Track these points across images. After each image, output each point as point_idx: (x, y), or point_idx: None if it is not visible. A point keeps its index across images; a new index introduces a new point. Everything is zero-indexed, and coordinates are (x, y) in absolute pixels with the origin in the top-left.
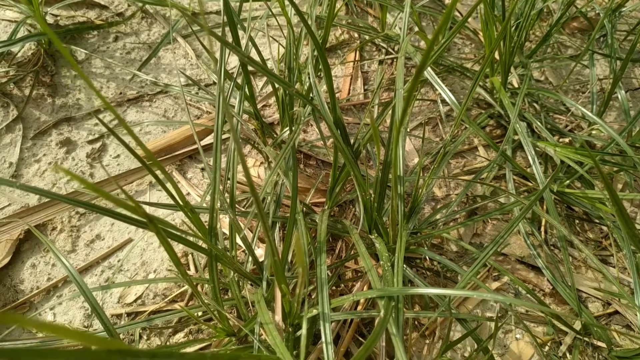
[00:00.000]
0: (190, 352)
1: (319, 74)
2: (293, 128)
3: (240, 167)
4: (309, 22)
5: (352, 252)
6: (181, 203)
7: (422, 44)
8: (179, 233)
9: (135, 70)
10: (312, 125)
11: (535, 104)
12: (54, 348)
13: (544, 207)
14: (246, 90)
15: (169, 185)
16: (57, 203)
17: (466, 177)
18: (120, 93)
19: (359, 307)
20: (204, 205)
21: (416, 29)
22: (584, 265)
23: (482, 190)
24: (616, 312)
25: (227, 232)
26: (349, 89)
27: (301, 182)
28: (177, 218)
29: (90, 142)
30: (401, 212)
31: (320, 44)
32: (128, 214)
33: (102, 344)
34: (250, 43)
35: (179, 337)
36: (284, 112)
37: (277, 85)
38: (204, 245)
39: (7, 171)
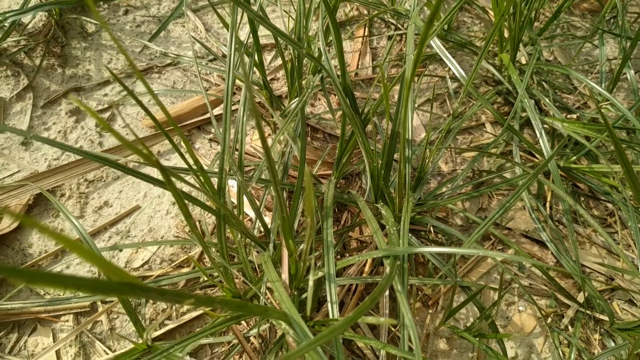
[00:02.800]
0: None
1: (329, 40)
2: (303, 93)
3: (248, 139)
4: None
5: (358, 220)
6: (192, 164)
7: None
8: (190, 192)
9: (146, 41)
10: (319, 99)
11: (543, 83)
12: (69, 275)
13: (550, 180)
14: (256, 58)
15: (183, 151)
16: (66, 169)
17: (473, 154)
18: (130, 65)
19: (365, 273)
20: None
21: (424, 9)
22: (589, 242)
23: (488, 165)
24: (619, 287)
25: (235, 202)
26: (358, 64)
27: (308, 154)
28: (186, 187)
29: (100, 112)
30: (408, 176)
31: (331, 9)
32: (145, 174)
33: (116, 275)
34: (260, 10)
35: None
36: (293, 84)
37: (286, 58)
38: (214, 208)
39: (17, 138)
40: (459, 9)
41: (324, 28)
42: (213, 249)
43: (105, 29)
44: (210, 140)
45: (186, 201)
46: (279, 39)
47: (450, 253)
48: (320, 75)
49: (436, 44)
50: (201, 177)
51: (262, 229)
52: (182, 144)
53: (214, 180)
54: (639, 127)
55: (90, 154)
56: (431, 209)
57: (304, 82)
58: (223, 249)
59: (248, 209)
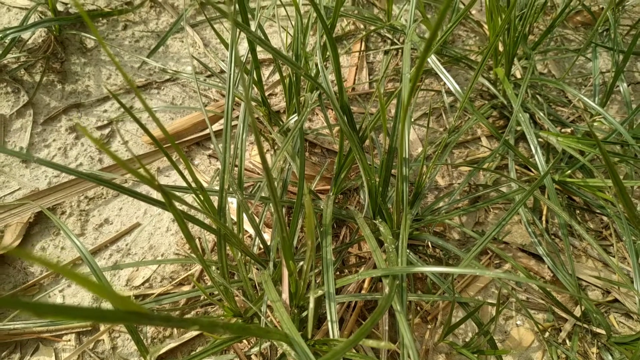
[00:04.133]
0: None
1: (326, 56)
2: (301, 111)
3: (247, 154)
4: (318, 6)
5: (357, 237)
6: (192, 183)
7: (428, 35)
8: (190, 211)
9: (144, 58)
10: (317, 114)
11: (538, 96)
12: (75, 306)
13: (546, 195)
14: (254, 75)
15: (182, 168)
16: (66, 187)
17: (469, 168)
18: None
19: (364, 290)
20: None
21: (420, 25)
22: (584, 255)
23: (484, 179)
24: (615, 300)
25: (235, 218)
26: (354, 79)
27: (307, 170)
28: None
29: (99, 128)
30: (406, 193)
31: (328, 28)
32: (145, 195)
33: (122, 304)
34: (259, 29)
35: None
36: (290, 100)
37: (284, 73)
38: (213, 226)
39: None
40: (449, 6)
41: (321, 45)
42: (213, 267)
43: (103, 48)
44: (210, 156)
45: (186, 221)
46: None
47: (448, 272)
48: (317, 92)
49: (432, 60)
50: (201, 197)
51: (261, 246)
52: (182, 161)
53: (214, 198)
54: (631, 142)
55: (88, 175)
56: (429, 224)
57: (302, 98)
58: (224, 268)
59: (247, 226)
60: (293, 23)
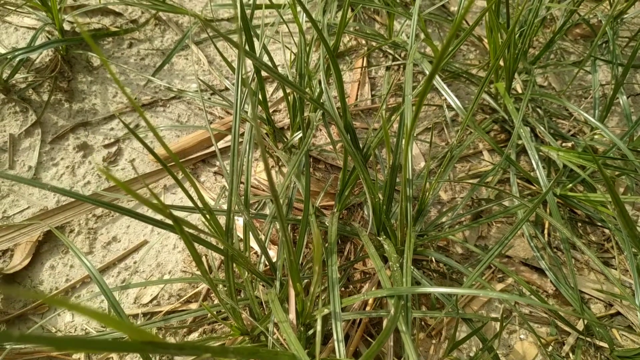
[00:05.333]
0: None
1: (330, 79)
2: (306, 133)
3: (253, 171)
4: (320, 29)
5: (361, 254)
6: (200, 205)
7: (428, 49)
8: (199, 234)
9: (149, 76)
10: (321, 130)
11: (538, 109)
12: (93, 338)
13: (547, 210)
14: (259, 96)
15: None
16: (74, 206)
17: (471, 181)
18: (135, 98)
19: (368, 308)
20: (218, 208)
21: (422, 35)
22: (587, 267)
23: (486, 193)
24: (618, 313)
25: (241, 235)
26: (357, 95)
27: (311, 186)
28: (192, 220)
29: (106, 146)
30: (410, 212)
31: (332, 52)
32: (151, 215)
33: (136, 335)
34: (263, 50)
35: (194, 336)
36: (295, 117)
37: (287, 91)
38: (220, 246)
39: (27, 174)
40: (455, 37)
41: (325, 67)
42: (220, 286)
43: (109, 71)
44: (216, 173)
45: (193, 240)
46: (286, 63)
47: (452, 293)
48: (321, 111)
49: (436, 80)
50: (208, 217)
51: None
52: (189, 181)
53: (222, 217)
54: (631, 157)
55: (92, 199)
56: (432, 240)
57: (306, 115)
58: (231, 288)
59: (253, 243)
60: (296, 39)
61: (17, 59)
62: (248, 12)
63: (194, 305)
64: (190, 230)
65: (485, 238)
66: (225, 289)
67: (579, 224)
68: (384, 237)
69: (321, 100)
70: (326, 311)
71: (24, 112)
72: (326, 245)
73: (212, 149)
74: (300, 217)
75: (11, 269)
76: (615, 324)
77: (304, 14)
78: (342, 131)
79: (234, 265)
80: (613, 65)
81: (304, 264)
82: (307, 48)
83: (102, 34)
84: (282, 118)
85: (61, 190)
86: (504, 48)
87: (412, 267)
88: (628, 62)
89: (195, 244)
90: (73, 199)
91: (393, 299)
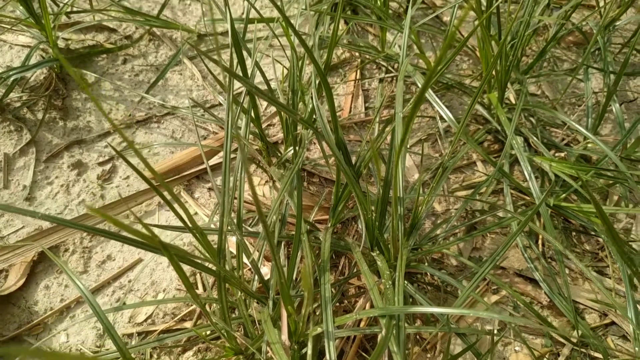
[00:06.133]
0: None
1: (321, 95)
2: (297, 149)
3: (245, 187)
4: (311, 48)
5: (355, 270)
6: (191, 226)
7: (422, 61)
8: (189, 257)
9: (143, 93)
10: (315, 143)
11: (531, 118)
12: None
13: (541, 220)
14: (252, 113)
15: (178, 207)
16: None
17: (465, 192)
18: (130, 115)
19: (362, 324)
20: (212, 225)
21: (415, 47)
22: (581, 277)
23: (481, 204)
24: (613, 322)
25: (234, 251)
26: (350, 107)
27: (305, 200)
28: (185, 237)
29: (101, 163)
30: (401, 231)
31: (322, 72)
32: (141, 240)
33: None
34: (255, 66)
35: (188, 355)
36: (288, 133)
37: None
38: (213, 266)
39: (21, 194)
40: (448, 46)
41: (317, 84)
42: (214, 305)
43: (89, 96)
44: (210, 189)
45: (186, 263)
46: (276, 82)
47: (443, 313)
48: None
49: (428, 93)
50: (201, 238)
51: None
52: (182, 195)
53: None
54: (622, 168)
55: (77, 225)
56: (427, 254)
57: (299, 127)
58: (224, 309)
59: (247, 260)
60: (289, 53)
61: (12, 79)
62: (241, 26)
63: (188, 324)
64: (181, 255)
65: (480, 249)
66: (219, 307)
67: (574, 233)
68: (377, 252)
69: (313, 117)
70: (319, 330)
71: (19, 131)
72: (319, 262)
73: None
74: (294, 232)
75: (5, 290)
76: (610, 333)
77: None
78: (333, 148)
79: (227, 283)
80: (605, 74)
81: (298, 280)
82: (300, 63)
83: (97, 52)
84: (276, 132)
85: (50, 218)
86: (495, 61)
87: (405, 281)
88: (620, 71)
89: (188, 267)
90: (68, 218)
91: (385, 319)
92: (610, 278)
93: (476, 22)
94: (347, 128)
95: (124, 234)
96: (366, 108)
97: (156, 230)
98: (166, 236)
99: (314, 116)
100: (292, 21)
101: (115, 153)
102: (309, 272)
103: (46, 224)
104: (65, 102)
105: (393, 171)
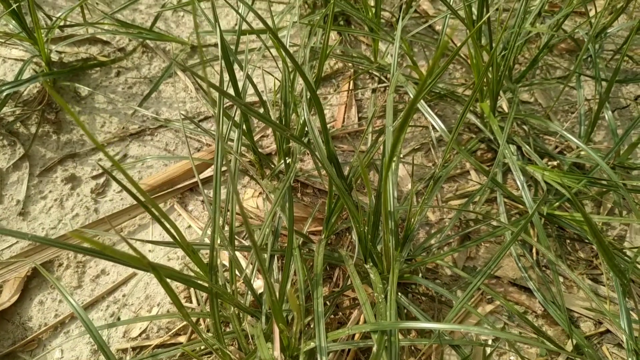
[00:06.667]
0: None
1: (313, 108)
2: (289, 164)
3: (241, 197)
4: (303, 62)
5: (349, 282)
6: (182, 242)
7: (414, 71)
8: (179, 276)
9: (136, 107)
10: (308, 154)
11: (524, 126)
12: None
13: (535, 230)
14: (244, 127)
15: (175, 215)
16: (63, 240)
17: (459, 201)
18: (123, 128)
19: (356, 337)
20: (205, 239)
21: (408, 56)
22: (576, 285)
23: (474, 214)
24: (607, 330)
25: (227, 264)
26: (344, 117)
27: (299, 212)
28: (179, 251)
29: (95, 177)
30: (392, 245)
31: (313, 87)
32: (131, 255)
33: None
34: (247, 79)
35: None
36: (281, 145)
37: (275, 117)
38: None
39: (15, 209)
40: (441, 55)
41: (308, 98)
42: (208, 320)
43: (76, 121)
44: (203, 202)
45: (176, 280)
46: (266, 101)
47: (434, 329)
48: (307, 138)
49: (420, 103)
50: (191, 255)
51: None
52: (176, 208)
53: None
54: (613, 178)
55: (62, 244)
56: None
57: (291, 144)
58: (217, 325)
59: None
60: (281, 64)
61: (4, 94)
62: (233, 37)
63: (183, 338)
64: (173, 274)
65: (474, 259)
66: (212, 322)
67: (568, 241)
68: (371, 264)
69: (305, 130)
70: (312, 344)
71: (12, 145)
72: (312, 276)
73: (201, 177)
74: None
75: (0, 305)
76: (605, 341)
77: (288, 40)
78: (324, 162)
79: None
80: (596, 82)
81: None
82: (292, 75)
83: (90, 66)
84: (270, 143)
85: (39, 239)
86: (486, 71)
87: (399, 293)
88: (611, 80)
89: (180, 284)
90: (62, 233)
91: (377, 334)
92: (605, 286)
93: (468, 31)
94: (341, 138)
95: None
96: (359, 118)
97: (149, 246)
98: (160, 249)
99: (305, 129)
100: (284, 32)
101: (109, 167)
102: (301, 288)
103: None
104: (58, 116)
105: (383, 191)
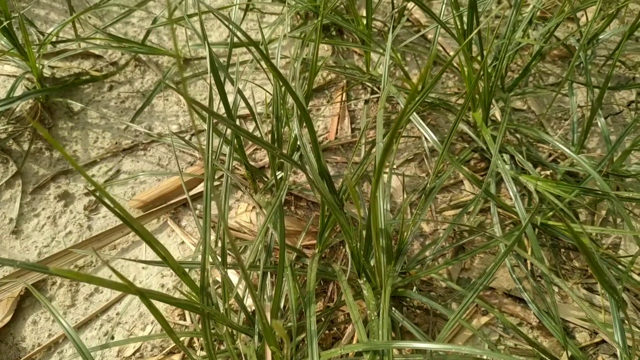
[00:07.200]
0: None
1: (304, 125)
2: (281, 182)
3: (232, 213)
4: (294, 74)
5: (343, 298)
6: (172, 264)
7: (406, 81)
8: (169, 300)
9: (128, 122)
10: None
11: (517, 134)
12: None
13: (529, 249)
14: (235, 143)
15: (169, 231)
16: (56, 258)
17: (453, 212)
18: (116, 143)
19: (350, 354)
20: (199, 256)
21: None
22: (572, 294)
23: (468, 223)
24: (603, 341)
25: (220, 280)
26: (337, 129)
27: (292, 226)
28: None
29: (87, 194)
30: (384, 264)
31: (303, 105)
32: (119, 284)
33: None
34: (238, 93)
35: None
36: (274, 158)
37: (266, 130)
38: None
39: (8, 227)
40: (433, 64)
41: (299, 114)
42: (202, 339)
43: (62, 153)
44: (197, 216)
45: (167, 303)
46: (256, 116)
47: (426, 349)
48: (298, 153)
49: (413, 116)
50: (182, 277)
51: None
52: (169, 224)
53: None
54: (606, 189)
55: (42, 269)
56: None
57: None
58: (209, 345)
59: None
60: (272, 78)
61: None
62: (226, 49)
63: (177, 357)
64: (163, 297)
65: (469, 270)
66: (205, 342)
67: (562, 250)
68: (364, 279)
69: (297, 144)
70: None
71: (5, 163)
72: (305, 293)
73: (193, 192)
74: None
75: None
76: (600, 352)
77: (279, 53)
78: (313, 181)
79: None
80: (588, 90)
81: (286, 308)
82: (283, 89)
83: (82, 81)
84: (263, 156)
85: (27, 266)
86: (476, 82)
87: (393, 308)
88: (602, 87)
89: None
90: (55, 252)
91: (369, 354)
92: (600, 295)
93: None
94: (334, 150)
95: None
96: (353, 129)
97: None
98: (152, 267)
99: (298, 143)
100: (276, 44)
101: (101, 183)
102: (292, 309)
103: (33, 257)
104: (51, 132)
105: (372, 210)
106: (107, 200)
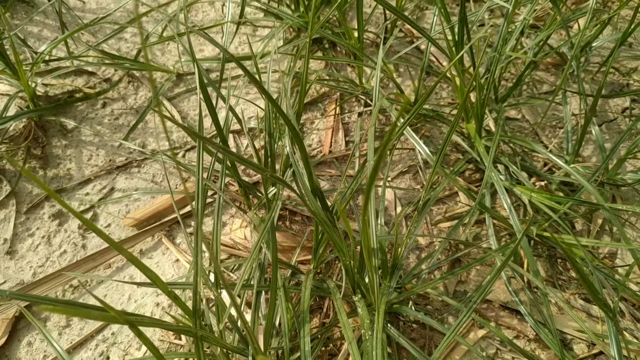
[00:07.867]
0: None
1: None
2: (274, 193)
3: (226, 229)
4: (282, 103)
5: (337, 317)
6: (163, 288)
7: (398, 91)
8: (160, 325)
9: (121, 140)
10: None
11: (511, 144)
12: None
13: (525, 253)
14: (227, 162)
15: (164, 249)
16: (51, 279)
17: (448, 224)
18: (110, 160)
19: None
20: (192, 276)
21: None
22: (568, 306)
23: (464, 235)
24: (601, 352)
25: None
26: (331, 142)
27: (287, 242)
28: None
29: (82, 212)
30: (377, 283)
31: (293, 125)
32: (107, 315)
33: None
34: (229, 110)
35: None
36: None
37: (259, 146)
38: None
39: (2, 248)
40: (426, 74)
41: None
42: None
43: (46, 190)
44: (191, 234)
45: (158, 327)
46: (247, 134)
47: None
48: (291, 171)
49: (406, 130)
50: (175, 300)
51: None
52: (164, 241)
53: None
54: (600, 201)
55: (32, 297)
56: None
57: (277, 167)
58: None
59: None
60: (268, 87)
61: None
62: (219, 64)
63: None
64: (153, 323)
65: (465, 282)
66: None
67: (559, 260)
68: (359, 296)
69: (290, 161)
70: None
71: None
72: (299, 312)
73: (188, 208)
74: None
75: None
76: None
77: (271, 67)
78: (308, 196)
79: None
80: (581, 99)
81: (281, 326)
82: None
83: (75, 100)
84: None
85: (17, 296)
86: (467, 94)
87: (389, 324)
88: (596, 96)
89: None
90: (50, 272)
91: None
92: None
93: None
94: (328, 163)
95: (97, 298)
96: (347, 142)
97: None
98: (145, 287)
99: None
100: (267, 58)
101: (95, 201)
102: (285, 331)
103: (28, 278)
104: (45, 151)
105: (363, 231)
106: (98, 225)
